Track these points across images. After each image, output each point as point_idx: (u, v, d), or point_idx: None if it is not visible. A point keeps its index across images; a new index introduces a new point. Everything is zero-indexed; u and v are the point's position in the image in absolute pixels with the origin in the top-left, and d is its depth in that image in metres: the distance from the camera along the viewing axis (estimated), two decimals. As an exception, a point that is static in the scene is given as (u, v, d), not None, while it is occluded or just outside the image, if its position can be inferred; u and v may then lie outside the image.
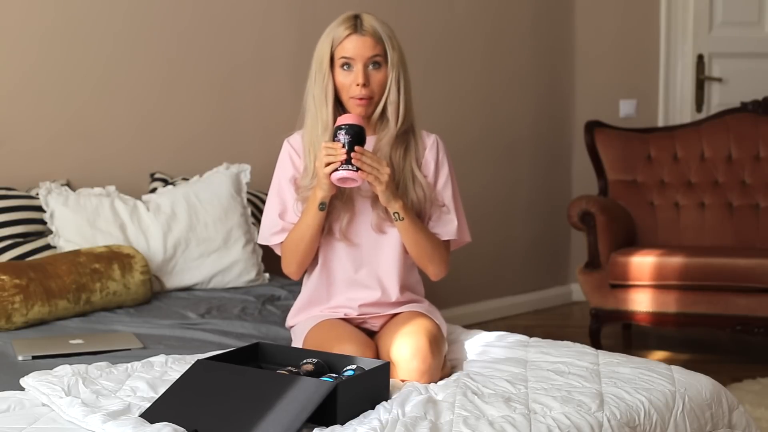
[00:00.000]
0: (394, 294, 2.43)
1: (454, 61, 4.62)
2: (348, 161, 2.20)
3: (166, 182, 3.50)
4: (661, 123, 5.09)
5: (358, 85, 2.33)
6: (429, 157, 2.45)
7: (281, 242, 2.45)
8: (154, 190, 3.44)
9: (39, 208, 3.16)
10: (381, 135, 2.41)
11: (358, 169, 2.21)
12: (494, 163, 4.83)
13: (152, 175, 3.55)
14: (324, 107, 2.37)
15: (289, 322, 2.56)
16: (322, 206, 2.31)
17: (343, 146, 2.20)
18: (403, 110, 2.39)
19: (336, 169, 2.20)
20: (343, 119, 2.26)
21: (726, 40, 5.03)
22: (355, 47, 2.33)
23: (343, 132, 2.23)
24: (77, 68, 3.44)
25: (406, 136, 2.43)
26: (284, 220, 2.44)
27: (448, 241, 2.47)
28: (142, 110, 3.60)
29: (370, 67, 2.35)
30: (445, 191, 2.46)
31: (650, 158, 4.50)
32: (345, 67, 2.35)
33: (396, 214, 2.32)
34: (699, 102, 5.07)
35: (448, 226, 2.44)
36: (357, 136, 2.22)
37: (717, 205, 4.37)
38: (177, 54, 3.68)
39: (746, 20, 5.05)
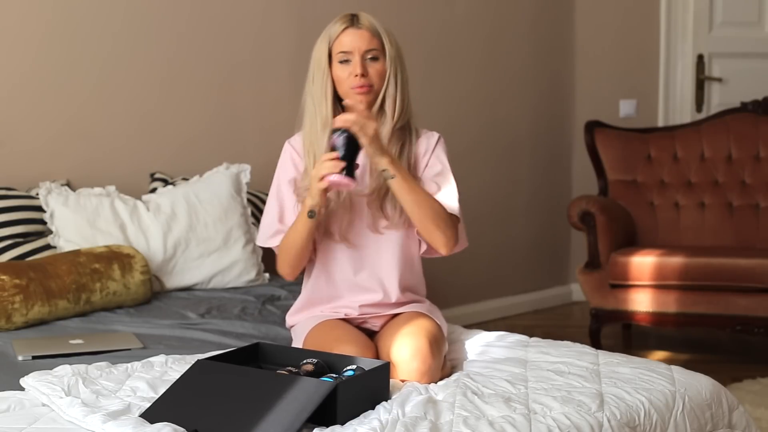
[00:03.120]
0: (395, 295, 2.43)
1: (454, 61, 4.62)
2: (344, 170, 2.20)
3: (166, 182, 3.50)
4: (661, 123, 5.09)
5: (356, 75, 2.34)
6: (422, 148, 2.44)
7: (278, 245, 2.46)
8: (154, 190, 3.44)
9: (39, 208, 3.16)
10: (379, 129, 2.40)
11: (351, 176, 2.21)
12: (494, 163, 4.83)
13: (152, 175, 3.55)
14: (323, 104, 2.38)
15: (289, 321, 2.56)
16: (311, 214, 2.29)
17: (339, 156, 2.20)
18: (400, 104, 2.39)
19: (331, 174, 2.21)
20: (339, 120, 2.24)
21: (726, 40, 5.03)
22: (352, 40, 2.35)
23: (336, 135, 2.22)
24: (77, 68, 3.44)
25: (403, 134, 2.43)
26: (281, 222, 2.44)
27: (457, 218, 2.40)
28: (142, 110, 3.60)
29: (368, 59, 2.36)
30: (439, 179, 2.41)
31: (650, 158, 4.50)
32: (343, 62, 2.36)
33: (386, 172, 2.27)
34: (699, 102, 5.07)
35: (447, 200, 2.37)
36: (350, 140, 2.21)
37: (717, 205, 4.37)
38: (176, 54, 3.68)
39: (746, 20, 5.05)
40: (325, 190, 2.27)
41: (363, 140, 2.22)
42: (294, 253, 2.38)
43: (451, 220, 2.36)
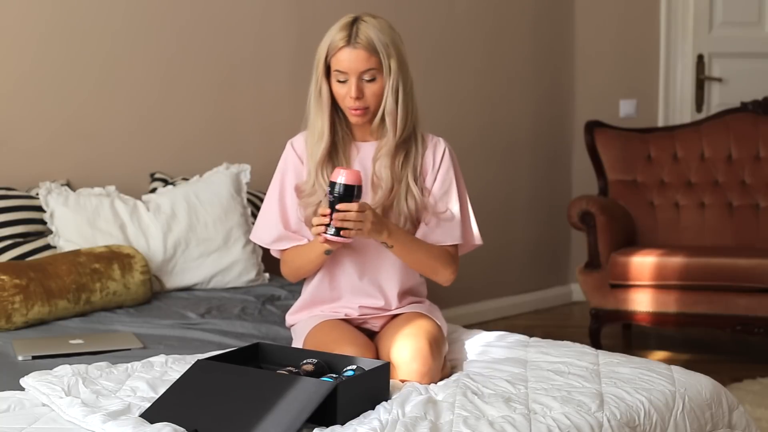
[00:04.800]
0: (394, 301, 2.44)
1: (454, 61, 4.62)
2: (334, 228, 2.22)
3: (166, 182, 3.50)
4: (661, 123, 5.09)
5: (352, 97, 2.32)
6: (429, 162, 2.44)
7: (280, 249, 2.46)
8: (154, 190, 3.44)
9: (39, 208, 3.16)
10: (381, 143, 2.40)
11: (340, 233, 2.22)
12: (494, 163, 4.83)
13: (152, 175, 3.55)
14: (320, 115, 2.36)
15: (289, 321, 2.56)
16: (327, 252, 2.34)
17: (330, 210, 2.21)
18: (402, 119, 2.36)
19: (325, 231, 2.23)
20: (336, 174, 2.22)
21: (726, 40, 5.03)
22: (348, 60, 2.30)
23: (330, 191, 2.22)
24: (76, 68, 3.44)
25: (407, 144, 2.41)
26: (285, 228, 2.44)
27: (455, 245, 2.46)
28: (142, 110, 3.60)
29: (365, 78, 2.32)
30: (447, 198, 2.43)
31: (650, 158, 4.50)
32: (340, 78, 2.33)
33: (384, 244, 2.33)
34: (699, 102, 5.07)
35: (452, 232, 2.42)
36: (342, 197, 2.21)
37: (717, 205, 4.37)
38: (176, 53, 3.68)
39: (746, 20, 5.05)
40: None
41: (362, 235, 2.23)
42: (303, 272, 2.45)
43: (449, 258, 2.43)
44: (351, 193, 2.21)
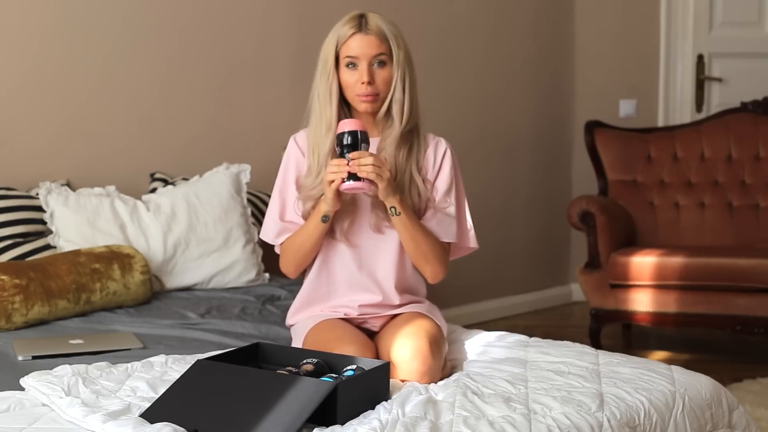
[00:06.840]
0: (392, 296, 2.43)
1: (454, 61, 4.62)
2: (351, 175, 2.22)
3: (166, 182, 3.50)
4: (661, 123, 5.09)
5: (363, 83, 2.34)
6: (430, 160, 2.45)
7: (280, 243, 2.46)
8: (154, 190, 3.44)
9: (39, 208, 3.16)
10: (386, 134, 2.41)
11: (361, 179, 2.22)
12: (494, 163, 4.83)
13: (152, 175, 3.55)
14: (328, 106, 2.38)
15: (289, 320, 2.57)
16: (325, 219, 2.33)
17: (346, 161, 2.22)
18: (408, 109, 2.39)
19: (343, 181, 2.23)
20: (342, 126, 2.26)
21: (726, 40, 5.03)
22: (359, 46, 2.33)
23: (342, 140, 2.24)
24: (77, 68, 3.44)
25: (411, 136, 2.43)
26: (285, 220, 2.44)
27: (448, 244, 2.46)
28: (142, 110, 3.60)
29: (375, 65, 2.35)
30: (448, 195, 2.44)
31: (650, 158, 4.50)
32: (350, 66, 2.35)
33: (393, 209, 2.32)
34: (699, 102, 5.07)
35: (448, 228, 2.43)
36: (356, 143, 2.23)
37: (717, 205, 4.38)
38: (177, 54, 3.68)
39: (746, 20, 5.05)
40: (339, 194, 2.28)
41: (379, 185, 2.24)
42: (303, 252, 2.41)
43: (443, 252, 2.43)
44: (364, 139, 2.24)
